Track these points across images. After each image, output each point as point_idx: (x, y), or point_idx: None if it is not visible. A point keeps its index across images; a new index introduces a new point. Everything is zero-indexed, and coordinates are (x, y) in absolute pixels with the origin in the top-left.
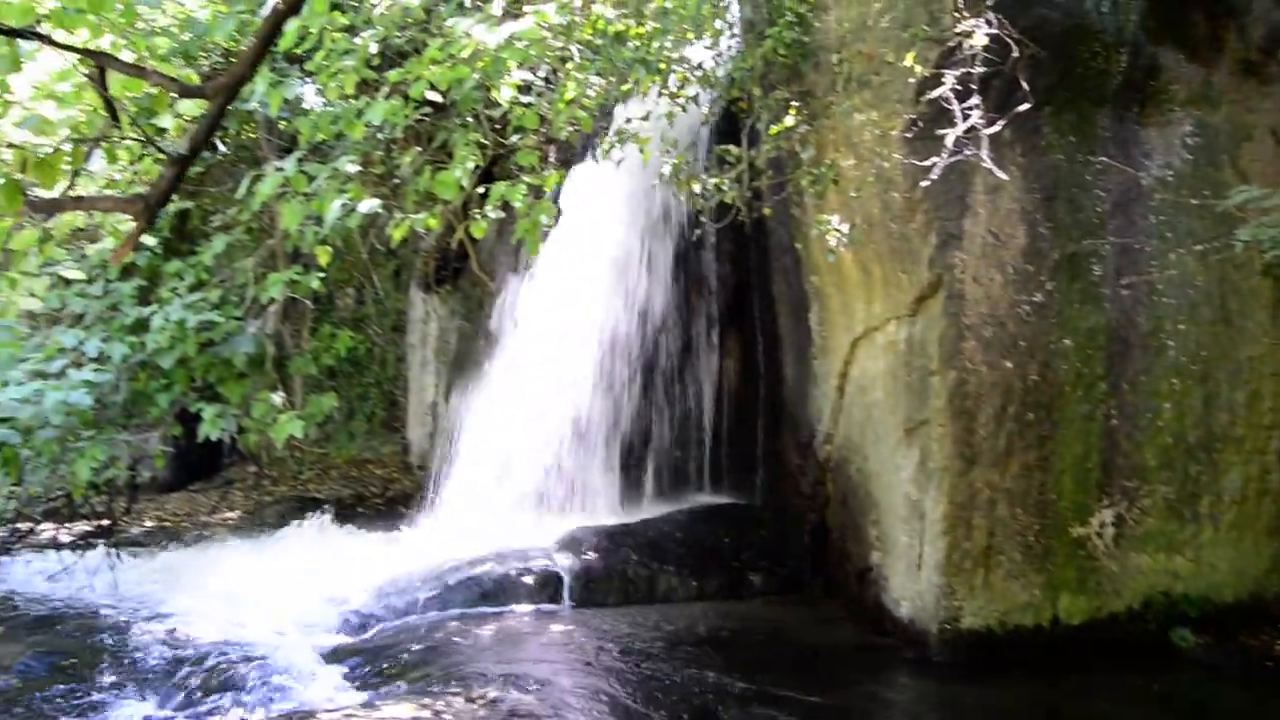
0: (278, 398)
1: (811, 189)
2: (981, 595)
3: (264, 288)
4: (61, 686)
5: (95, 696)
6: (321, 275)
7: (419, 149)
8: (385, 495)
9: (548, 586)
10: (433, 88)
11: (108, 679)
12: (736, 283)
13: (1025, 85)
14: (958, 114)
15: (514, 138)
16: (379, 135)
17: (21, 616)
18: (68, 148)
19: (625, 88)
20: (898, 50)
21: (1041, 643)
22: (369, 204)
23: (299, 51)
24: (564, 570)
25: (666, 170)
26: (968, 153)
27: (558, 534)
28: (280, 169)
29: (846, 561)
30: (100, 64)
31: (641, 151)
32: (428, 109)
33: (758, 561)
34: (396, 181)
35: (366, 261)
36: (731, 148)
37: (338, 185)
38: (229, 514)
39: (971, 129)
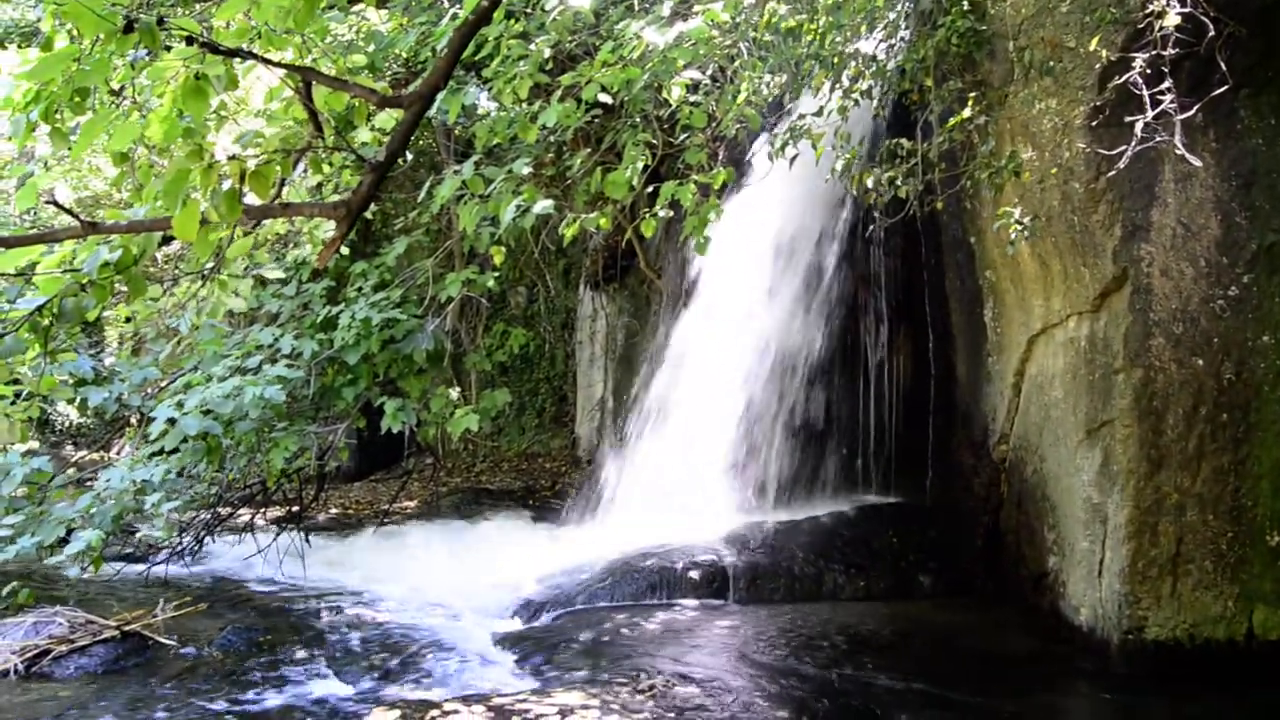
0: (454, 393)
1: (989, 181)
2: (1169, 605)
3: (442, 287)
4: (258, 660)
5: (288, 671)
6: (496, 274)
7: (589, 150)
8: (554, 488)
9: (714, 581)
10: (603, 90)
11: (299, 654)
12: (906, 278)
13: (1223, 66)
14: (1146, 99)
15: (682, 137)
16: (549, 138)
17: (221, 594)
18: (276, 159)
19: (799, 85)
20: (1080, 35)
21: (1233, 658)
22: (543, 204)
23: (476, 59)
24: (730, 565)
25: (839, 165)
26: (1157, 139)
27: (724, 530)
28: (458, 172)
29: (1021, 565)
30: (306, 79)
31: (815, 148)
32: (597, 110)
33: (927, 562)
34: (567, 182)
35: (538, 261)
36: (904, 141)
37: (512, 187)
38: (407, 503)
39: (1162, 114)
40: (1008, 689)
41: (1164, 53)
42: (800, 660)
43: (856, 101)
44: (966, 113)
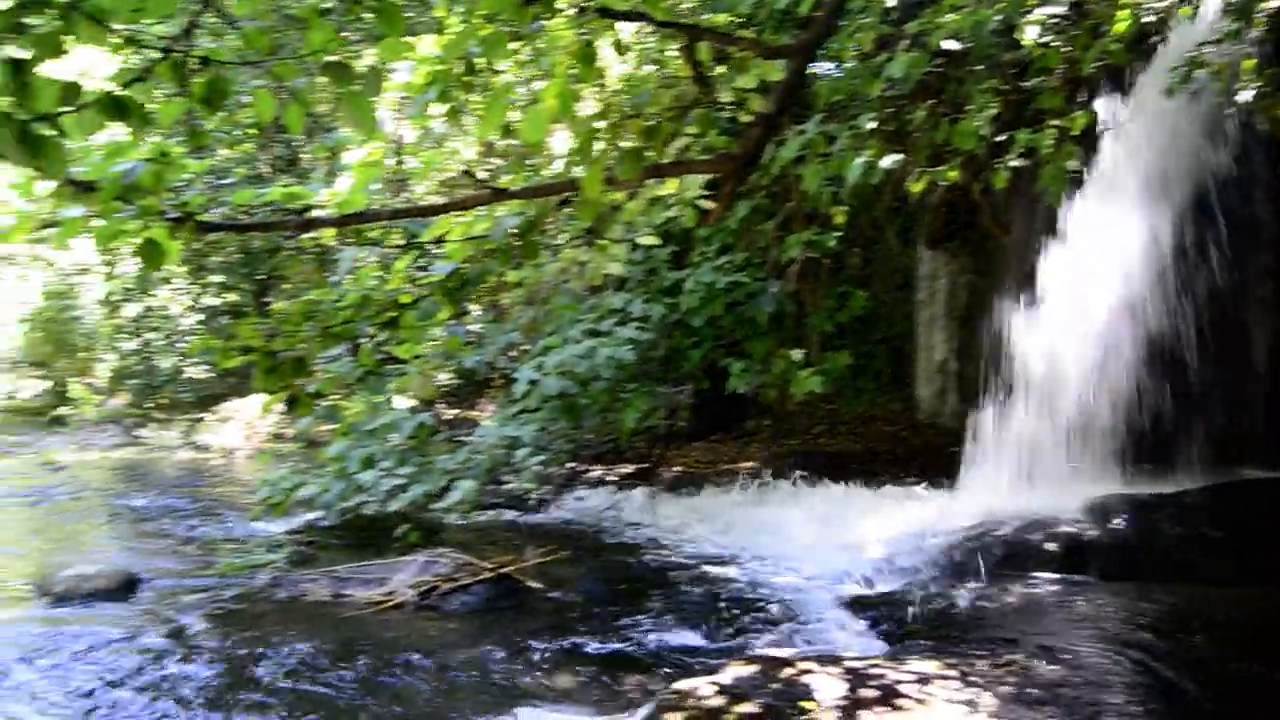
0: (797, 354)
1: None
2: None
3: (785, 249)
4: (616, 608)
5: (645, 619)
6: (838, 234)
7: (932, 101)
8: (894, 452)
9: (1072, 555)
10: (950, 36)
11: (655, 604)
12: None
13: None
14: None
15: (1035, 80)
16: (888, 93)
17: (579, 544)
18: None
19: (1186, 10)
20: None
21: None
22: (891, 159)
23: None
24: (1092, 539)
25: (1246, 97)
26: None
27: (1083, 501)
28: (802, 133)
29: None
30: (693, 37)
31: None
32: (940, 59)
33: None
34: (910, 135)
35: (881, 218)
36: None
37: (855, 144)
38: (746, 464)
39: None
40: None
41: None
42: (1169, 645)
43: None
44: None
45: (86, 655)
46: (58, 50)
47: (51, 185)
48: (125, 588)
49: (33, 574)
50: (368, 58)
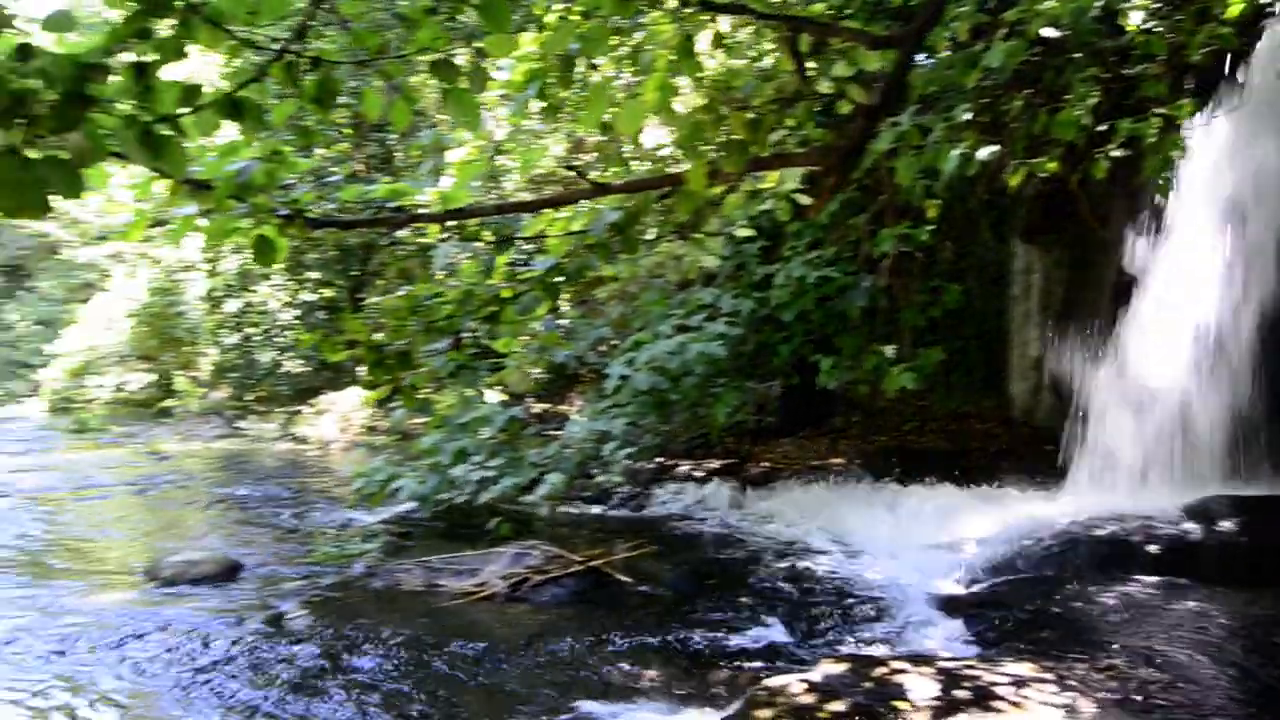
0: (889, 350)
1: None
2: None
3: (877, 243)
4: (706, 602)
5: (734, 614)
6: (930, 228)
7: (1029, 91)
8: (987, 450)
9: (1176, 558)
10: (1049, 24)
11: (744, 600)
12: None
13: None
14: None
15: (1138, 68)
16: (984, 83)
17: (668, 538)
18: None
19: None
20: None
21: None
22: (987, 150)
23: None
24: (1195, 541)
25: None
26: None
27: (1184, 502)
28: (896, 123)
29: None
30: (794, 28)
31: None
32: (1038, 47)
33: None
34: (1007, 126)
35: (974, 211)
36: None
37: (950, 136)
38: (835, 460)
39: None
40: None
41: None
42: (1276, 653)
43: None
44: None
45: (192, 637)
46: (180, 53)
47: (165, 185)
48: (229, 574)
49: (141, 558)
50: (462, 56)
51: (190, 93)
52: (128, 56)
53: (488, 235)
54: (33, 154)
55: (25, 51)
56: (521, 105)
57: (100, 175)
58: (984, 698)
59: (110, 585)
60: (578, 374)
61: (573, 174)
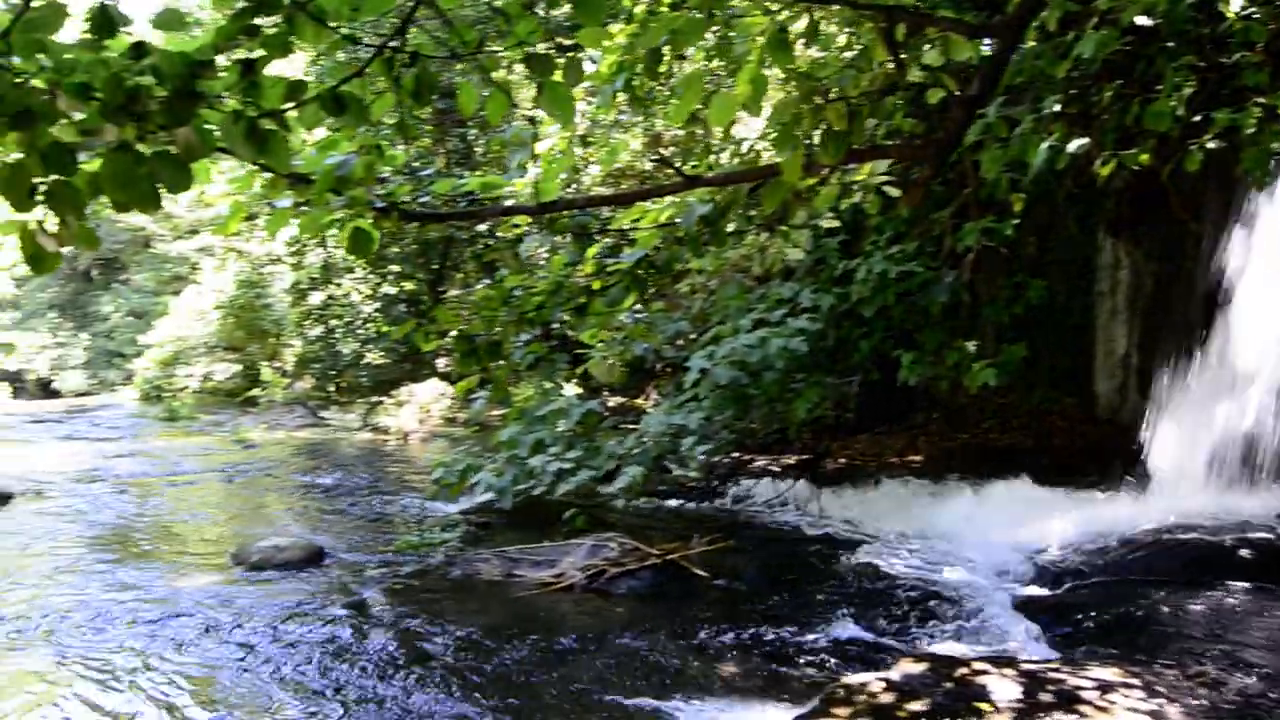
0: (971, 345)
1: None
2: None
3: (960, 237)
4: (782, 597)
5: (810, 610)
6: (1015, 222)
7: (1120, 81)
8: (1070, 449)
9: (1268, 562)
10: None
11: (820, 596)
12: None
13: None
14: None
15: (1236, 55)
16: (1072, 73)
17: (745, 533)
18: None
19: None
20: None
21: None
22: (1078, 142)
23: None
24: None
25: None
26: None
27: (1277, 506)
28: (981, 116)
29: None
30: (891, 18)
31: None
32: (1128, 36)
33: None
34: (1096, 118)
35: (1060, 205)
36: None
37: (1037, 128)
38: (914, 457)
39: None
40: None
41: None
42: None
43: None
44: None
45: (278, 620)
46: (286, 50)
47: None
48: (313, 560)
49: (230, 543)
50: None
51: (295, 88)
52: (234, 55)
53: (584, 225)
54: (143, 149)
55: (139, 49)
56: (609, 97)
57: (205, 170)
58: (1068, 701)
59: (200, 568)
60: (654, 368)
61: (654, 168)
